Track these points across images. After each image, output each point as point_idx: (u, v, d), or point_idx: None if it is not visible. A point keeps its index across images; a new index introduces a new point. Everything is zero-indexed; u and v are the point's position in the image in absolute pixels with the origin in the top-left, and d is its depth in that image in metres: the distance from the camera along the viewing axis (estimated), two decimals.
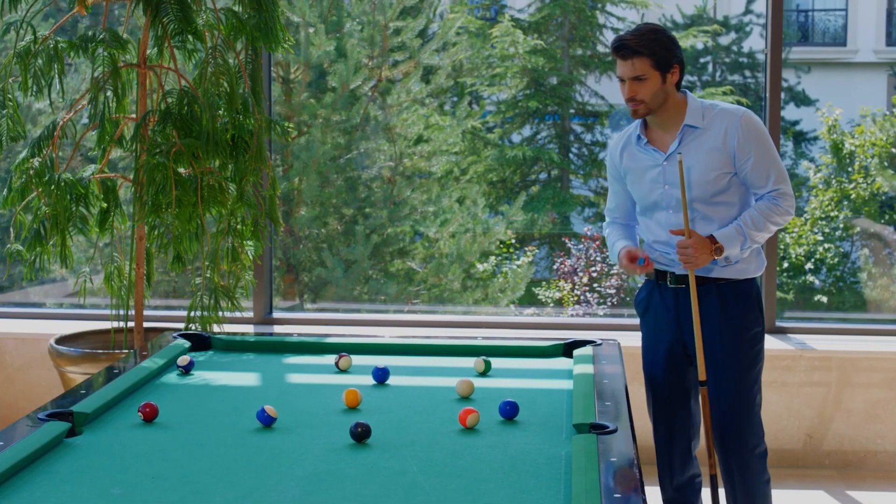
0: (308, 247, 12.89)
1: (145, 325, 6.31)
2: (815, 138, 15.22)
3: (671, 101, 4.79)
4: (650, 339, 5.06)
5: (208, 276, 6.09)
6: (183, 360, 4.62)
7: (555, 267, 13.41)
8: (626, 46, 4.67)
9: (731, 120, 4.75)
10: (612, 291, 12.93)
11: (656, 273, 4.97)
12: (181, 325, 6.15)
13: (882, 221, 13.83)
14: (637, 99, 4.72)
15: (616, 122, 14.84)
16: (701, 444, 5.36)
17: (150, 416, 3.90)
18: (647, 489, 3.33)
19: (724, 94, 14.08)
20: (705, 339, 4.84)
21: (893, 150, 13.62)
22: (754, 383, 4.87)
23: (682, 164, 4.71)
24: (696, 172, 4.76)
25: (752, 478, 4.87)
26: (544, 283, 13.54)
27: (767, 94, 6.75)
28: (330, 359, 4.84)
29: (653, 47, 4.69)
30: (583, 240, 13.44)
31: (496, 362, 4.79)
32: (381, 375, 4.49)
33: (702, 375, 4.85)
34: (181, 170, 5.81)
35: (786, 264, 12.95)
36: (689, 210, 4.81)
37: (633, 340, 6.55)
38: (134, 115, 6.07)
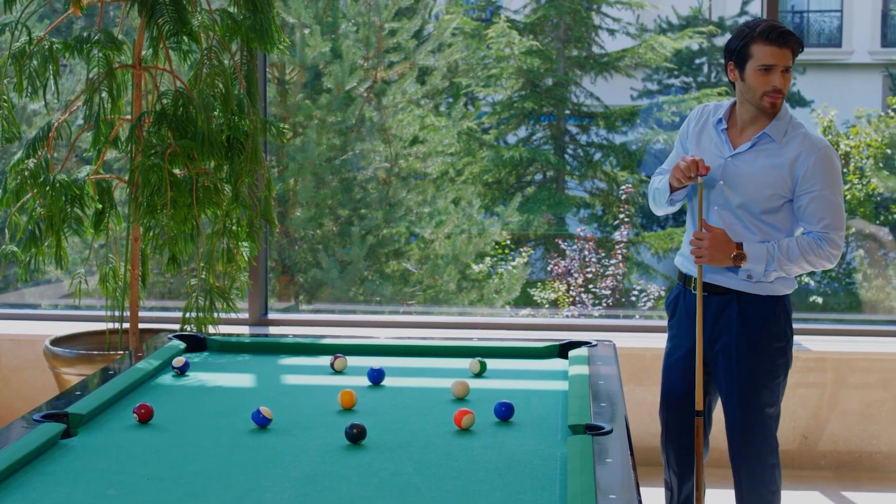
0: (303, 248, 12.89)
1: (140, 326, 6.31)
2: None
3: None
4: (672, 343, 5.04)
5: (203, 277, 6.08)
6: (178, 361, 4.62)
7: (549, 268, 13.41)
8: (790, 34, 4.60)
9: (808, 148, 4.65)
10: (608, 292, 12.93)
11: (684, 277, 4.94)
12: (176, 327, 6.15)
13: (877, 222, 13.84)
14: (782, 91, 4.65)
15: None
16: (709, 456, 5.36)
17: (145, 417, 3.89)
18: (642, 490, 3.33)
19: (720, 94, 14.08)
20: (723, 349, 4.81)
21: (888, 150, 13.63)
22: (770, 397, 4.82)
23: (722, 186, 4.71)
24: (752, 185, 4.69)
25: (759, 488, 4.85)
26: (539, 284, 13.54)
27: None
28: (325, 360, 4.84)
29: (801, 41, 4.66)
30: (577, 241, 13.44)
31: (491, 363, 4.79)
32: (376, 376, 4.49)
33: (699, 405, 4.82)
34: (176, 171, 5.81)
35: None
36: (734, 215, 4.75)
37: (628, 341, 6.57)
38: (129, 117, 6.07)
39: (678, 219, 13.95)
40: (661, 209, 5.06)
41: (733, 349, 4.77)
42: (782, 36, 4.60)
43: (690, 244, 4.75)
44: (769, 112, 4.69)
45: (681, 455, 5.00)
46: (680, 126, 5.09)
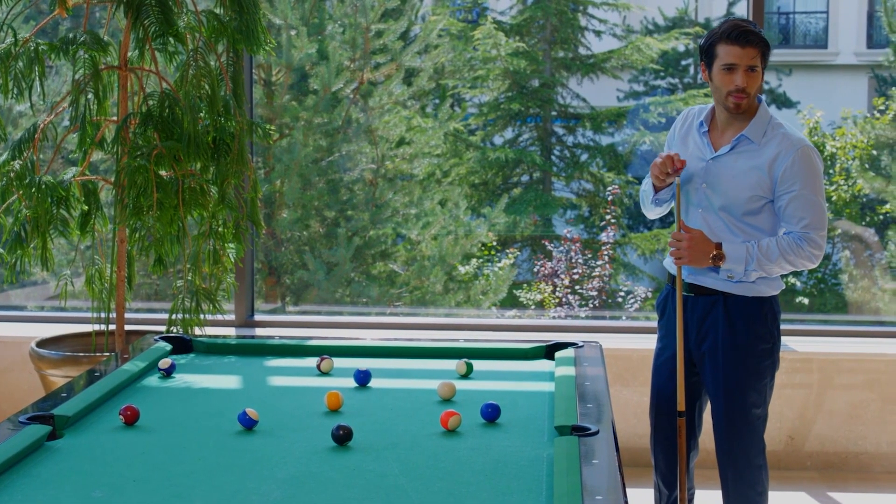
0: (290, 249, 12.88)
1: (126, 327, 6.30)
2: None
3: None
4: (661, 343, 5.03)
5: (190, 278, 6.07)
6: (164, 362, 4.61)
7: (535, 270, 13.42)
8: (751, 33, 4.58)
9: (787, 147, 4.63)
10: (594, 293, 12.94)
11: (672, 278, 4.94)
12: (163, 328, 6.14)
13: (863, 223, 13.87)
14: (746, 91, 4.63)
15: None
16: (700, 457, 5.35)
17: (131, 419, 3.89)
18: (628, 491, 3.34)
19: (706, 95, 14.09)
20: (710, 350, 4.80)
21: (874, 152, 13.66)
22: (757, 398, 4.81)
23: (698, 186, 4.71)
24: (732, 186, 4.69)
25: (746, 489, 4.84)
26: (525, 285, 13.54)
27: None
28: (312, 361, 4.83)
29: (765, 39, 4.64)
30: (563, 242, 13.45)
31: (478, 364, 4.78)
32: (362, 378, 4.49)
33: (680, 405, 4.81)
34: (162, 172, 5.80)
35: None
36: (717, 217, 4.75)
37: (614, 342, 6.56)
38: (115, 118, 6.06)
39: (665, 220, 13.97)
40: (650, 211, 5.08)
41: (719, 350, 4.77)
42: (743, 35, 4.60)
43: (669, 245, 4.76)
44: (733, 112, 4.71)
45: (669, 456, 5.00)
46: (666, 127, 5.11)
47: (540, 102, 14.69)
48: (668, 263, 4.96)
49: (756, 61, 4.62)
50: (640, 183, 5.09)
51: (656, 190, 4.89)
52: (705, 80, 4.79)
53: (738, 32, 4.60)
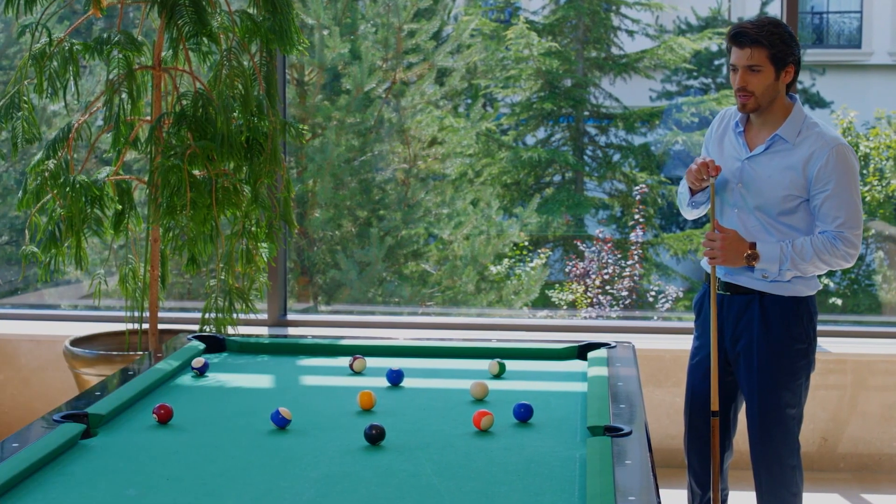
0: (322, 249, 12.90)
1: (160, 326, 6.32)
2: None
3: (778, 103, 4.71)
4: (696, 343, 5.03)
5: (223, 278, 6.09)
6: (197, 361, 4.63)
7: (567, 270, 13.40)
8: (745, 34, 4.60)
9: (821, 145, 4.63)
10: (625, 293, 12.91)
11: (708, 277, 4.93)
12: (196, 327, 6.16)
13: None
14: (748, 90, 4.63)
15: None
16: (734, 458, 5.33)
17: (164, 417, 3.90)
18: (661, 492, 3.33)
19: None
20: (745, 349, 4.80)
21: None
22: (791, 398, 4.80)
23: (738, 186, 4.70)
24: (768, 186, 4.69)
25: (780, 489, 4.83)
26: (557, 285, 13.52)
27: None
28: (344, 361, 4.84)
29: (771, 39, 4.60)
30: (595, 242, 13.42)
31: (510, 364, 4.78)
32: (395, 377, 4.49)
33: (714, 405, 4.80)
34: (196, 172, 5.82)
35: None
36: (753, 217, 4.75)
37: (647, 343, 6.55)
38: (149, 118, 6.08)
39: (698, 221, 13.93)
40: (688, 213, 5.08)
41: (754, 349, 4.76)
42: (737, 36, 4.64)
43: (703, 245, 4.76)
44: (740, 111, 4.73)
45: (703, 456, 4.99)
46: (699, 127, 5.11)
47: (572, 102, 14.66)
48: (705, 263, 4.95)
49: (756, 61, 4.61)
50: (672, 183, 5.08)
51: (692, 193, 4.89)
52: None
53: (734, 33, 4.66)
